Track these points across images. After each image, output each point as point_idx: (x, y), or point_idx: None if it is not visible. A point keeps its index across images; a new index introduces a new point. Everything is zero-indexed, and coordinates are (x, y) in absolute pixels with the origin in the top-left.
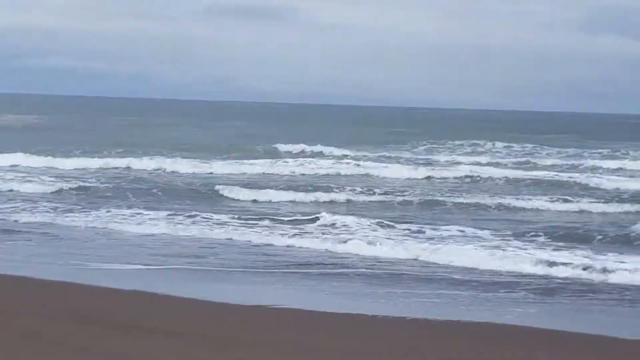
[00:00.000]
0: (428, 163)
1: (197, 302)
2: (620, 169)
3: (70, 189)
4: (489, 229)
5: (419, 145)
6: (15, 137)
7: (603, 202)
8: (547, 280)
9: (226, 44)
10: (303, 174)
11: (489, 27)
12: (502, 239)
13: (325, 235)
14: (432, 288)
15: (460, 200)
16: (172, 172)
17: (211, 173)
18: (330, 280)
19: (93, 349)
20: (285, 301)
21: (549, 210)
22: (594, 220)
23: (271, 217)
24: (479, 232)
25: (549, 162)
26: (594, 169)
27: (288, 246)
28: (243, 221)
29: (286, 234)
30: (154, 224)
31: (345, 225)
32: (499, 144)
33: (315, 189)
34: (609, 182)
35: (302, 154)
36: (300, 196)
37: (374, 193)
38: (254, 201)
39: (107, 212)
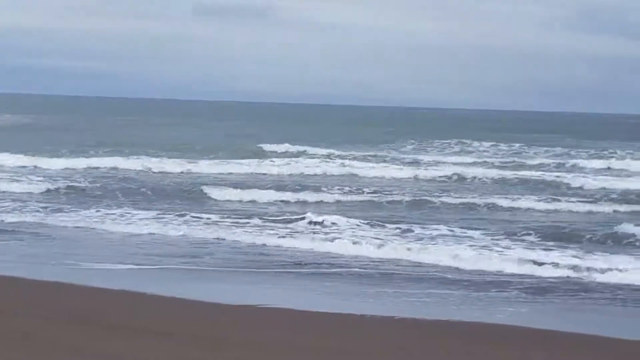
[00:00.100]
0: (415, 162)
1: (189, 302)
2: (609, 168)
3: (59, 188)
4: (479, 229)
5: (407, 144)
6: (6, 137)
7: (591, 202)
8: (538, 280)
9: (226, 44)
10: (290, 174)
11: (489, 27)
12: (492, 239)
13: (315, 235)
14: (423, 287)
15: (448, 199)
16: (159, 172)
17: (198, 172)
18: (321, 279)
19: (86, 349)
20: (277, 301)
21: (537, 210)
22: (582, 219)
23: (260, 216)
24: (469, 232)
25: (536, 161)
26: (581, 169)
27: (278, 246)
28: (233, 221)
29: (276, 234)
30: (144, 223)
31: (334, 224)
32: (486, 144)
33: (303, 188)
34: (596, 182)
35: (286, 153)
36: (287, 196)
37: (363, 192)
38: (242, 201)
39: (97, 211)
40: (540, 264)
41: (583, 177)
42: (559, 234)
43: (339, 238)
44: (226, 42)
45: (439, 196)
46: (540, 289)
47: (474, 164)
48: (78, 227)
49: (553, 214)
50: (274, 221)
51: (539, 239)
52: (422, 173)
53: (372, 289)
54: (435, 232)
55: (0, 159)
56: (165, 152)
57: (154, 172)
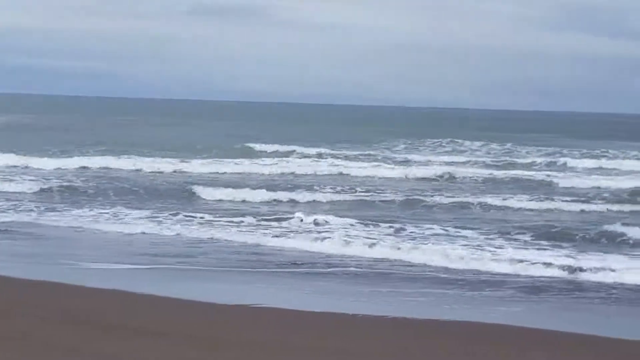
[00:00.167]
0: (406, 161)
1: (185, 302)
2: (600, 168)
3: (51, 188)
4: (472, 228)
5: (399, 144)
6: (6, 137)
7: (583, 201)
8: (532, 279)
9: (226, 44)
10: (282, 173)
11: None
12: (486, 238)
13: (308, 235)
14: (418, 287)
15: (441, 198)
16: (151, 171)
17: (190, 172)
18: (317, 279)
19: (83, 349)
20: (273, 301)
21: (530, 209)
22: (574, 219)
23: (252, 215)
24: (463, 232)
25: (528, 160)
26: (572, 168)
27: (272, 246)
28: (226, 220)
29: (269, 234)
30: (137, 223)
31: (327, 223)
32: (478, 143)
33: (294, 187)
34: (588, 181)
35: (276, 153)
36: (279, 195)
37: (355, 192)
38: (233, 200)
39: (90, 211)
40: (534, 263)
41: (575, 176)
42: (552, 233)
43: (329, 238)
44: (226, 42)
45: (431, 195)
46: (534, 288)
47: (465, 163)
48: (72, 226)
49: (546, 213)
50: (266, 220)
51: (532, 238)
52: (413, 172)
53: (367, 289)
54: (428, 232)
55: None
56: (158, 152)
57: (146, 172)
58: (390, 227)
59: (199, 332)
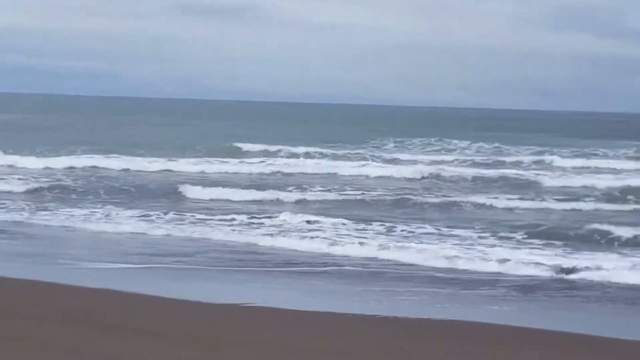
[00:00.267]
0: (394, 160)
1: (185, 302)
2: (590, 167)
3: (41, 187)
4: (464, 227)
5: (388, 142)
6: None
7: (573, 200)
8: (525, 278)
9: (226, 44)
10: (271, 172)
11: (489, 27)
12: (478, 237)
13: (300, 234)
14: (412, 286)
15: (431, 198)
16: (139, 170)
17: (178, 171)
18: (312, 278)
19: (83, 349)
20: (271, 300)
21: (521, 208)
22: (565, 217)
23: (243, 214)
24: (455, 231)
25: (516, 159)
26: (561, 167)
27: (266, 245)
28: (218, 219)
29: (261, 233)
30: (129, 222)
31: (318, 223)
32: (466, 141)
33: (283, 186)
34: (576, 180)
35: (265, 152)
36: (267, 194)
37: (344, 191)
38: (222, 199)
39: (81, 210)
40: (527, 262)
41: (564, 175)
42: (543, 232)
43: (321, 237)
44: (226, 42)
45: (421, 194)
46: (526, 287)
47: (453, 161)
48: (64, 226)
49: (536, 212)
50: (257, 220)
51: (524, 237)
52: (402, 171)
53: (362, 288)
54: (420, 230)
55: None
56: (147, 151)
57: (136, 171)
58: (381, 225)
59: (198, 332)
